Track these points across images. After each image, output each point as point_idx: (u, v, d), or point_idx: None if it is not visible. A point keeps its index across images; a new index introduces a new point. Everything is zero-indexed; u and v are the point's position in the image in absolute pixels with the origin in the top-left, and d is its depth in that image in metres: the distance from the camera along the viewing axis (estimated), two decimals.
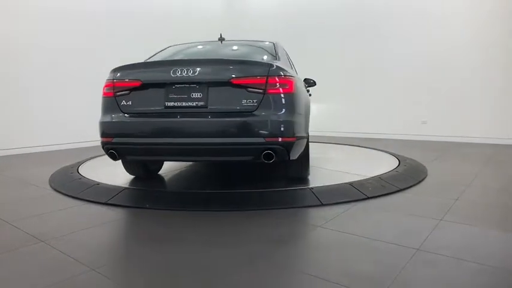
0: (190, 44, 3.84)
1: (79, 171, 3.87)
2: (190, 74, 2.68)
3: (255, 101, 2.65)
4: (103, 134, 2.89)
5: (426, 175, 3.76)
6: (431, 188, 3.28)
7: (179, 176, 3.82)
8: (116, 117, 2.84)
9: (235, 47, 3.68)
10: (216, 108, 2.70)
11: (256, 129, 2.63)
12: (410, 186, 3.28)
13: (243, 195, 2.91)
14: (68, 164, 4.32)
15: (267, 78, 2.66)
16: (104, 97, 2.95)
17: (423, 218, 2.43)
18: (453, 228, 2.26)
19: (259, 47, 3.58)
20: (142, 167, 3.54)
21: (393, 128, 7.43)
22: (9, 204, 2.92)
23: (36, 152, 5.75)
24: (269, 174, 3.77)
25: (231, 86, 2.67)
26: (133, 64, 2.92)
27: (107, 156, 3.00)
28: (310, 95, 4.71)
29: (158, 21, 7.57)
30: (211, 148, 2.70)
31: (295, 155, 2.87)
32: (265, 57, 3.25)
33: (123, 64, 2.94)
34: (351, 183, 3.13)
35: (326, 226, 2.28)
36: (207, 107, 2.70)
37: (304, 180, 3.32)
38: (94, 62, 6.29)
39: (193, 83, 2.71)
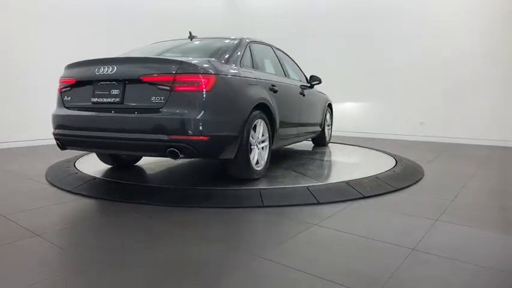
0: (160, 43, 3.95)
1: (76, 165, 3.86)
2: (109, 72, 2.83)
3: (162, 98, 2.68)
4: (52, 126, 3.18)
5: (423, 175, 3.78)
6: (428, 188, 3.30)
7: (178, 171, 3.82)
8: (59, 110, 3.15)
9: (194, 45, 3.72)
10: (129, 104, 2.80)
11: (161, 126, 2.66)
12: (407, 186, 3.30)
13: (240, 193, 2.91)
14: (65, 158, 4.31)
15: (175, 76, 2.68)
16: (57, 92, 3.23)
17: (419, 218, 2.44)
18: (449, 228, 2.27)
19: (219, 45, 3.46)
20: (111, 157, 3.76)
21: (391, 128, 7.46)
22: (5, 197, 2.91)
23: (35, 146, 5.74)
24: (267, 173, 3.77)
25: (142, 83, 2.75)
26: (73, 63, 3.11)
27: None
28: (303, 95, 4.56)
29: (159, 20, 7.53)
30: (123, 143, 2.80)
31: (219, 154, 2.87)
32: (222, 53, 3.21)
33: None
34: (347, 182, 3.13)
35: (322, 224, 2.29)
36: (122, 103, 2.81)
37: (250, 182, 3.18)
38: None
39: (113, 80, 2.84)
